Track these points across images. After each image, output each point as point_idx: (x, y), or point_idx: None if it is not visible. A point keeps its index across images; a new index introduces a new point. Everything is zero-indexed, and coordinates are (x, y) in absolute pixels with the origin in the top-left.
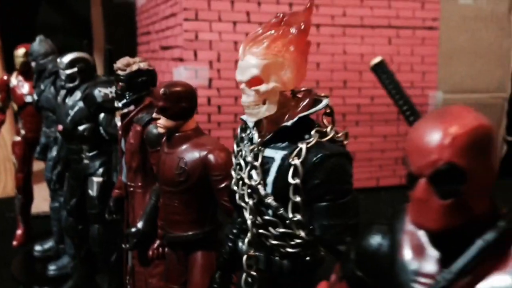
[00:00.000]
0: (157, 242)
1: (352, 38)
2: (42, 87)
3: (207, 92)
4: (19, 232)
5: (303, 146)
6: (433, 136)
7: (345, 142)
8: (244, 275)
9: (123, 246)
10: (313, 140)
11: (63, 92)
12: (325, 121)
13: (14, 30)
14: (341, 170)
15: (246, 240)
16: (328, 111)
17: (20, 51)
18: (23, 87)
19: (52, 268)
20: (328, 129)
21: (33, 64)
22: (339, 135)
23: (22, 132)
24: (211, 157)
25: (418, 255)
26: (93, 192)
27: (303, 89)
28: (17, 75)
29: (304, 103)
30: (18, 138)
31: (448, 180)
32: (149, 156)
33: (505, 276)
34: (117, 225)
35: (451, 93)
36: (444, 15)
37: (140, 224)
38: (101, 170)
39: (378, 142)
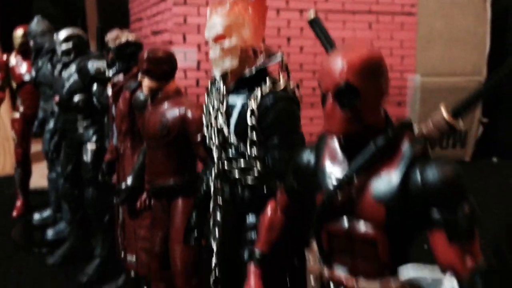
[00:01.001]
0: (144, 195)
1: (334, 23)
2: (39, 64)
3: (196, 74)
4: (18, 203)
5: (258, 93)
6: (336, 63)
7: (297, 93)
8: (212, 203)
9: (114, 200)
10: (267, 88)
11: (59, 66)
12: (281, 75)
13: (10, 14)
14: (289, 112)
15: (213, 173)
16: (283, 66)
17: (19, 32)
18: (22, 66)
19: (50, 233)
20: (281, 80)
21: (31, 43)
22: (291, 86)
23: (21, 109)
24: (189, 114)
25: (333, 161)
26: (87, 158)
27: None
28: (15, 55)
29: (262, 58)
30: (17, 115)
31: (346, 96)
32: (137, 120)
33: (392, 171)
34: (109, 188)
35: (428, 77)
36: (422, 1)
37: (129, 180)
38: (94, 137)
39: None
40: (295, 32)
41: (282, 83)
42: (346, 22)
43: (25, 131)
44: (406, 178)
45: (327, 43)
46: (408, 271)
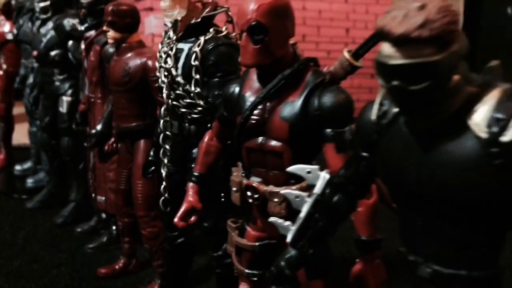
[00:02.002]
0: (112, 139)
1: None
2: (21, 22)
3: None
4: (1, 156)
5: (202, 38)
6: (249, 6)
7: (238, 42)
8: (161, 135)
9: (85, 145)
10: (210, 35)
11: (37, 23)
12: (226, 26)
13: None
14: (228, 55)
15: (163, 108)
16: (229, 19)
17: None
18: (5, 26)
19: (30, 181)
20: (224, 28)
21: (13, 2)
22: (233, 34)
23: (4, 66)
24: (149, 62)
25: (251, 90)
26: (63, 109)
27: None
28: None
29: (207, 9)
30: (0, 72)
31: (257, 32)
32: (106, 71)
33: (296, 97)
34: (83, 137)
35: None
36: None
37: (99, 127)
38: (70, 91)
39: None
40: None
41: (224, 32)
42: None
43: (7, 87)
44: (306, 101)
45: None
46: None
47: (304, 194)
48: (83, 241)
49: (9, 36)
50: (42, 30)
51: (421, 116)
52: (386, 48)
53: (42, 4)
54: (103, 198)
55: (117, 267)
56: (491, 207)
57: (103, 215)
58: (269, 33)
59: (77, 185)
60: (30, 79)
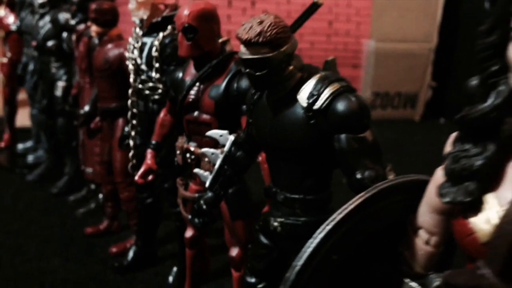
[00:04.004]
0: (97, 118)
1: None
2: (23, 15)
3: None
4: (6, 136)
5: (161, 34)
6: (184, 11)
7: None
8: (129, 112)
9: (75, 123)
10: (168, 31)
11: (37, 16)
12: None
13: None
14: None
15: (130, 90)
16: None
17: None
18: (9, 18)
19: (30, 158)
20: None
21: None
22: None
23: (8, 54)
24: (126, 53)
25: (189, 75)
26: (58, 93)
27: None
28: (4, 7)
29: (167, 10)
30: (5, 60)
31: (189, 32)
32: (93, 60)
33: (221, 81)
34: (75, 118)
35: (382, 42)
36: None
37: (86, 107)
38: (64, 77)
39: None
40: None
41: None
42: None
43: (11, 73)
44: (228, 85)
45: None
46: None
47: (217, 151)
48: (75, 208)
49: (13, 27)
50: (41, 23)
51: (270, 92)
52: (241, 48)
53: (40, 0)
54: (91, 170)
55: (101, 227)
56: (312, 150)
57: (92, 186)
58: (198, 32)
59: (71, 160)
60: (31, 67)
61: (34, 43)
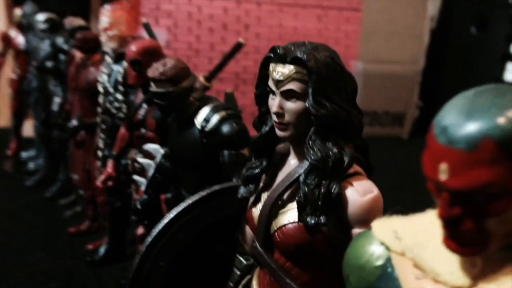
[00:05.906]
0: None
1: (287, 15)
2: (29, 37)
3: (165, 52)
4: (13, 145)
5: (125, 62)
6: (131, 48)
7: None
8: (97, 128)
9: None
10: None
11: (37, 39)
12: None
13: None
14: None
15: (99, 109)
16: None
17: (18, 12)
18: (18, 38)
19: (31, 165)
20: None
21: (24, 21)
22: None
23: (18, 71)
24: None
25: (140, 98)
26: (55, 107)
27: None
28: (15, 29)
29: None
30: (14, 76)
31: (135, 64)
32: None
33: None
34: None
35: (370, 63)
36: None
37: (74, 122)
38: (61, 94)
39: None
40: (253, 20)
41: None
42: (298, 14)
43: (20, 88)
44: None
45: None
46: None
47: (151, 162)
48: (64, 209)
49: (22, 47)
50: (42, 46)
51: (175, 117)
52: (151, 83)
53: (42, 26)
54: (77, 176)
55: (82, 228)
56: (205, 162)
57: (81, 191)
58: (142, 65)
59: (64, 168)
60: (34, 83)
61: (34, 63)
